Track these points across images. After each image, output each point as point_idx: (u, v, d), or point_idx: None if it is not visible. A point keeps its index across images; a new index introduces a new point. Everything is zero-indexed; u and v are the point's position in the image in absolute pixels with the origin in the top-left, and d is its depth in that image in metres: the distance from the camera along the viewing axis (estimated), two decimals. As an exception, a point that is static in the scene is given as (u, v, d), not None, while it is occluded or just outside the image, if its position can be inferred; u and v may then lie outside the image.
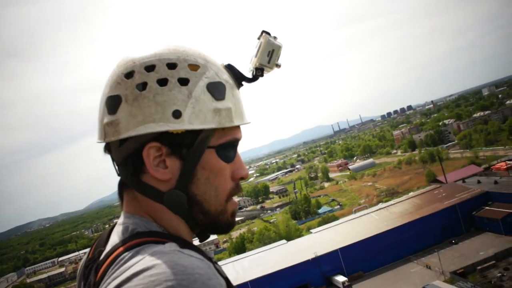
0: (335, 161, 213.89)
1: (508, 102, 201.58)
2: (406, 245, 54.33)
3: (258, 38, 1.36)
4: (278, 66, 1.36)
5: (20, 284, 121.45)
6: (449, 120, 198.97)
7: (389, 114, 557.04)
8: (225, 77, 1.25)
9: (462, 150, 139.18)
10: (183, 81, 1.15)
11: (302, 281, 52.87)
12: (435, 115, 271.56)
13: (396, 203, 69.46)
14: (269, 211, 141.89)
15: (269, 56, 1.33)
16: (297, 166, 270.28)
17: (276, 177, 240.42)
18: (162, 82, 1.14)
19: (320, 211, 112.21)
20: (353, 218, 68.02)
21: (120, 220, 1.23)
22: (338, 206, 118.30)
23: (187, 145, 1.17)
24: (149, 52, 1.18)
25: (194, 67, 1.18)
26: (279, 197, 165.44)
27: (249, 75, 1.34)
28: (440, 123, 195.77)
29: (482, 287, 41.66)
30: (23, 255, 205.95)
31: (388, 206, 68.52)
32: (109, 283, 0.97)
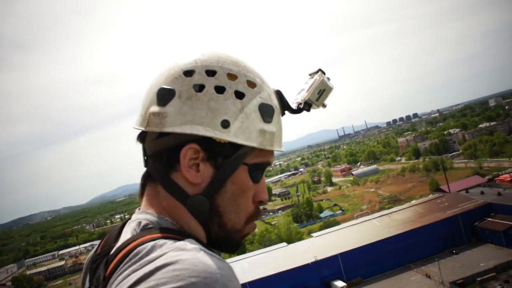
0: (339, 166, 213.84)
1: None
2: (406, 253, 54.24)
3: (310, 74, 1.44)
4: (324, 106, 1.42)
5: (20, 276, 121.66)
6: (454, 129, 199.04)
7: (394, 121, 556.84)
8: (275, 102, 1.28)
9: (466, 160, 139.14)
10: (239, 95, 1.18)
11: (301, 285, 52.85)
12: (441, 124, 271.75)
13: (398, 210, 69.32)
14: (270, 213, 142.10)
15: (319, 94, 1.40)
16: (301, 169, 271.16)
17: (279, 180, 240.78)
18: (219, 89, 1.16)
19: (322, 215, 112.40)
20: (355, 224, 67.92)
21: (134, 216, 1.23)
22: (340, 211, 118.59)
23: (224, 156, 1.18)
24: (211, 57, 1.21)
25: (251, 84, 1.21)
26: (282, 200, 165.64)
27: (293, 105, 1.38)
28: (445, 132, 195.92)
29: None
30: (23, 247, 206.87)
31: (390, 213, 68.32)
32: (127, 275, 0.96)
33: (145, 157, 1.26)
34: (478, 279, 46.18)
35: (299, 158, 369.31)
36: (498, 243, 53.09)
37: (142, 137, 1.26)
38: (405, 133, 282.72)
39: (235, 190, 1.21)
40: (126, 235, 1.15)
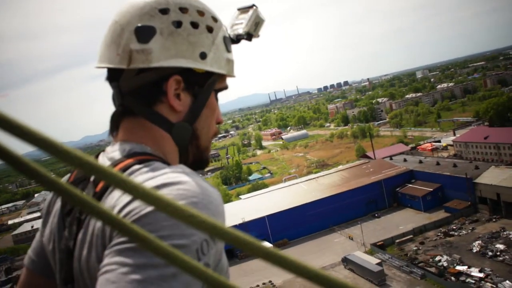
0: (269, 130, 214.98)
1: (439, 86, 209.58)
2: (331, 216, 55.99)
3: (240, 9, 1.59)
4: (258, 36, 1.58)
5: None
6: (382, 98, 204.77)
7: (325, 87, 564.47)
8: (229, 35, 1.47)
9: (392, 129, 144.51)
10: (209, 29, 1.31)
11: (227, 246, 52.80)
12: (370, 92, 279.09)
13: (325, 175, 71.09)
14: (200, 175, 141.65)
15: (256, 26, 1.54)
16: (231, 132, 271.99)
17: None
18: (194, 25, 1.28)
19: (250, 178, 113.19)
20: (283, 187, 69.15)
21: (111, 147, 1.30)
22: (269, 174, 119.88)
23: (199, 85, 1.32)
24: None
25: (215, 19, 1.35)
26: (211, 161, 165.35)
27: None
28: (374, 101, 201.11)
29: (398, 259, 43.77)
30: None
31: (317, 177, 69.96)
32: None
33: (120, 95, 1.30)
34: (397, 241, 48.61)
35: (230, 121, 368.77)
36: (417, 208, 55.92)
37: (114, 76, 1.31)
38: (335, 100, 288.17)
39: (208, 113, 1.37)
40: (111, 155, 1.25)
